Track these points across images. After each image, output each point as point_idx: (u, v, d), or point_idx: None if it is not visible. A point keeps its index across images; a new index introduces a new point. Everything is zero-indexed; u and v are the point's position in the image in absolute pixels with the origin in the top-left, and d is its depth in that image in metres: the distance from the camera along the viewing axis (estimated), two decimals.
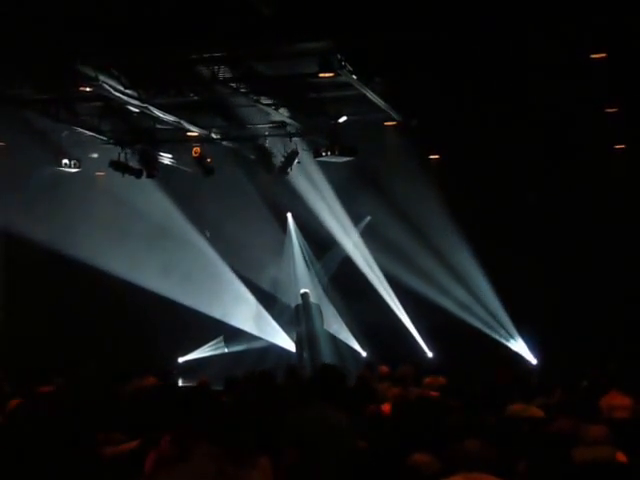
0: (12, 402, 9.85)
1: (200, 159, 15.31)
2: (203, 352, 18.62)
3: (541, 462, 6.00)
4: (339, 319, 18.96)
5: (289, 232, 19.63)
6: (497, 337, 17.85)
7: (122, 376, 11.25)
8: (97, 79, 11.94)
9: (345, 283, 18.80)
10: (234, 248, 18.20)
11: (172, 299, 17.75)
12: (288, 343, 18.65)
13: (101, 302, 17.61)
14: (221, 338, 18.67)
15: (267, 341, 18.59)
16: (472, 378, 10.10)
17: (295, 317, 17.98)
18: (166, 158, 16.43)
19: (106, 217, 16.92)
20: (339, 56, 10.97)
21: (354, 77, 11.71)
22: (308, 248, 19.52)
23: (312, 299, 18.25)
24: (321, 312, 18.30)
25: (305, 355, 17.67)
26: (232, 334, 18.58)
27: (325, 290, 19.21)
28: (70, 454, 4.91)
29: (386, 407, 8.32)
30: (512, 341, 17.85)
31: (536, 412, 7.79)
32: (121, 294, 17.73)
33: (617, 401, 7.91)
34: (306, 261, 19.55)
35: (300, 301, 18.08)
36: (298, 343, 18.01)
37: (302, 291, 18.26)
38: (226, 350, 18.59)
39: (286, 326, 18.58)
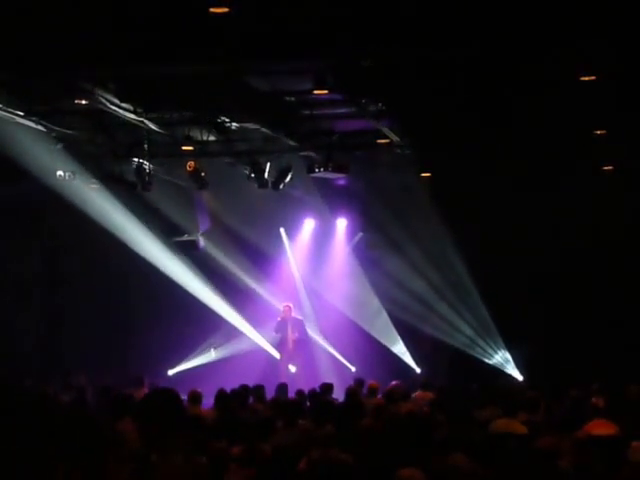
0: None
1: (194, 173, 15.40)
2: (192, 362, 18.58)
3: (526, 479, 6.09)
4: (330, 333, 19.03)
5: (283, 246, 19.71)
6: (485, 353, 17.96)
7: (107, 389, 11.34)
8: (93, 92, 12.04)
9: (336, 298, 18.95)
10: (228, 259, 18.33)
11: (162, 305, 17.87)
12: (273, 350, 18.70)
13: (92, 308, 17.69)
14: (210, 348, 18.68)
15: (255, 343, 18.62)
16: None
17: (279, 327, 18.01)
18: (160, 171, 16.50)
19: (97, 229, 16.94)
20: (333, 74, 11.11)
21: (348, 95, 11.86)
22: (303, 262, 19.61)
23: (294, 314, 18.27)
24: (303, 325, 18.31)
25: (290, 363, 17.73)
26: (221, 336, 18.62)
27: (319, 304, 19.31)
28: None
29: (375, 423, 8.39)
30: (500, 357, 17.95)
31: (519, 428, 7.87)
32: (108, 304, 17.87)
33: (601, 430, 7.93)
34: (301, 276, 19.66)
35: (283, 314, 18.12)
36: (281, 347, 18.06)
37: (285, 305, 18.27)
38: (213, 353, 18.57)
39: (271, 335, 18.60)
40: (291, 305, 18.18)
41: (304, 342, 18.18)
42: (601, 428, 7.70)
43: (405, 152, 14.87)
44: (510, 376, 17.62)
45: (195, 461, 4.34)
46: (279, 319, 17.96)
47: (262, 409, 10.29)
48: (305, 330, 18.29)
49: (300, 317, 18.37)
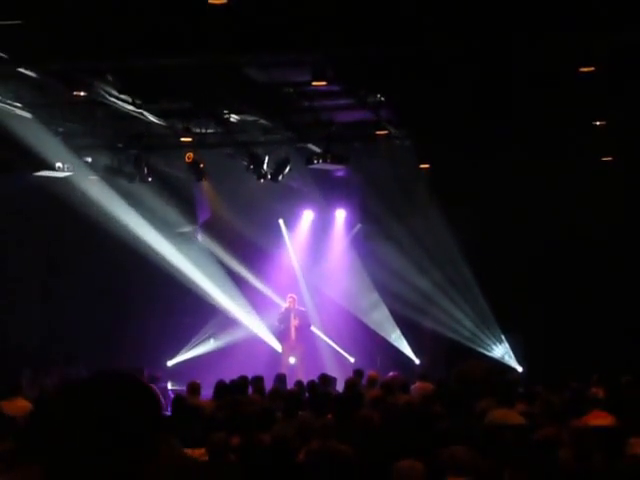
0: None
1: (193, 164, 15.41)
2: (191, 352, 18.56)
3: (526, 470, 6.10)
4: (330, 325, 19.04)
5: (282, 238, 19.70)
6: (484, 345, 17.99)
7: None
8: (92, 84, 12.04)
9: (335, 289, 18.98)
10: (226, 250, 18.37)
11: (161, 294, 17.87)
12: (273, 341, 18.68)
13: (90, 300, 17.68)
14: (210, 338, 18.66)
15: (255, 334, 18.61)
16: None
17: (283, 317, 17.96)
18: (159, 163, 16.50)
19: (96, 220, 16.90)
20: (332, 65, 11.11)
21: (346, 86, 11.86)
22: (302, 254, 19.60)
23: (297, 305, 18.20)
24: (307, 317, 18.26)
25: (291, 354, 17.71)
26: (220, 326, 18.61)
27: (318, 295, 19.31)
28: None
29: (374, 414, 8.41)
30: (499, 349, 17.98)
31: (516, 418, 7.88)
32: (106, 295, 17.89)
33: (599, 421, 7.95)
34: (300, 267, 19.64)
35: (287, 305, 18.06)
36: (283, 338, 18.03)
37: (289, 296, 18.22)
38: (213, 343, 18.56)
39: (272, 325, 18.57)
40: (295, 296, 18.17)
41: (306, 332, 18.12)
42: (599, 419, 7.73)
43: (404, 143, 14.87)
44: (509, 366, 17.65)
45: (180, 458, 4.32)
46: (283, 310, 17.96)
47: (259, 400, 10.30)
48: (308, 321, 18.24)
49: (304, 308, 18.34)
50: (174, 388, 15.66)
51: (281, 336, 18.12)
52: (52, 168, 15.46)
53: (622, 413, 8.05)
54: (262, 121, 14.19)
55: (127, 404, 2.03)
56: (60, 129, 14.59)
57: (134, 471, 2.01)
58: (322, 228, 19.50)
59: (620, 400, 8.96)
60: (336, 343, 18.87)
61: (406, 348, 18.51)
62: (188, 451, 6.42)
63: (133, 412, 2.03)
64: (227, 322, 18.53)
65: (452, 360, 16.71)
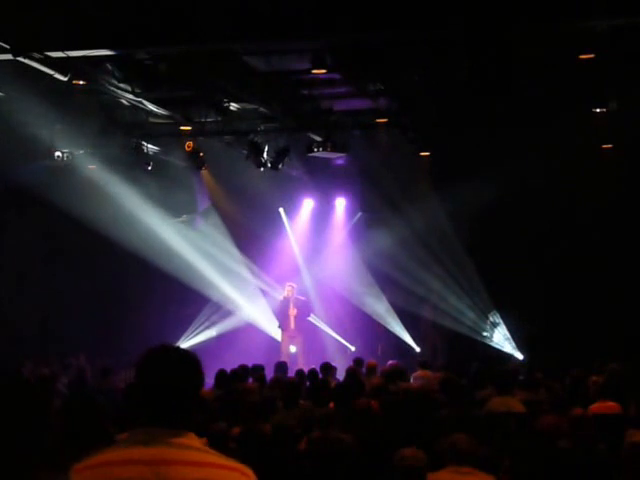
0: None
1: (193, 153, 15.39)
2: (191, 341, 18.57)
3: (526, 458, 6.11)
4: (330, 314, 19.04)
5: (283, 226, 19.69)
6: (484, 332, 18.02)
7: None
8: (91, 73, 12.00)
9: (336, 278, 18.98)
10: (226, 238, 18.37)
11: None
12: (273, 330, 18.67)
13: (89, 290, 17.69)
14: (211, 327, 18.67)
15: (256, 323, 18.61)
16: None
17: (281, 306, 17.94)
18: (159, 151, 16.48)
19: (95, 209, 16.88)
20: (331, 53, 11.08)
21: (346, 74, 11.82)
22: (303, 242, 19.59)
23: (297, 294, 18.15)
24: (308, 306, 18.22)
25: (291, 343, 17.69)
26: (220, 316, 18.60)
27: (319, 284, 19.29)
28: None
29: (374, 403, 8.41)
30: (499, 336, 18.01)
31: (517, 406, 7.88)
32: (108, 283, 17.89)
33: (605, 410, 7.93)
34: (300, 255, 19.64)
35: (286, 294, 18.03)
36: (282, 326, 18.00)
37: (288, 284, 18.18)
38: (214, 332, 18.56)
39: (273, 312, 18.58)
40: (294, 285, 18.13)
41: (305, 321, 18.08)
42: (606, 408, 7.72)
43: (404, 131, 14.83)
44: (511, 355, 17.68)
45: None
46: (282, 298, 17.94)
47: (259, 389, 10.29)
48: (307, 311, 18.18)
49: (303, 297, 18.29)
50: None
51: (281, 325, 18.11)
52: (51, 157, 15.44)
53: (623, 401, 8.05)
54: (262, 109, 14.15)
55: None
56: (59, 118, 14.54)
57: None
58: (322, 216, 19.51)
59: (620, 387, 8.97)
60: (337, 332, 18.88)
61: (407, 336, 18.53)
62: None
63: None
64: (227, 311, 18.53)
65: (453, 348, 16.81)
